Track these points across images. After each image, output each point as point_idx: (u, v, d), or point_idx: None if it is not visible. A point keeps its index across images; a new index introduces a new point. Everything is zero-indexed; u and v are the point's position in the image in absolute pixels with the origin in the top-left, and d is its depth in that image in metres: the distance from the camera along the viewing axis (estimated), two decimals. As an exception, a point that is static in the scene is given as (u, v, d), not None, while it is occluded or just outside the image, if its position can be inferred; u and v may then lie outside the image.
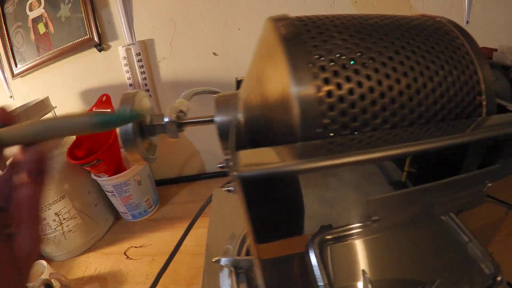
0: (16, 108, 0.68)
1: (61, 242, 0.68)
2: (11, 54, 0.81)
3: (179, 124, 0.31)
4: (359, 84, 0.20)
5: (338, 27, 0.23)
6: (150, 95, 0.78)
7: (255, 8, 0.71)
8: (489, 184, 0.21)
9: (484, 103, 0.23)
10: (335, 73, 0.20)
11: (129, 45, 0.74)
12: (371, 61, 0.21)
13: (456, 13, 0.74)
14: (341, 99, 0.20)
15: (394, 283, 0.32)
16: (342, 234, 0.23)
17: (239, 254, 0.52)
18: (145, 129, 0.31)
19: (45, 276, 0.58)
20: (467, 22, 0.75)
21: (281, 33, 0.22)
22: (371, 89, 0.20)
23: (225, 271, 0.49)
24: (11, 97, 0.87)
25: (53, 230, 0.66)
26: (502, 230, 0.30)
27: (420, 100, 0.21)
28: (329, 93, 0.20)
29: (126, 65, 0.76)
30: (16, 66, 0.82)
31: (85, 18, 0.73)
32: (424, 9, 0.73)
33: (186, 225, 0.72)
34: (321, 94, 0.20)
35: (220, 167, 0.30)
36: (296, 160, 0.17)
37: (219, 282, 0.48)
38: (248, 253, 0.52)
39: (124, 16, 0.73)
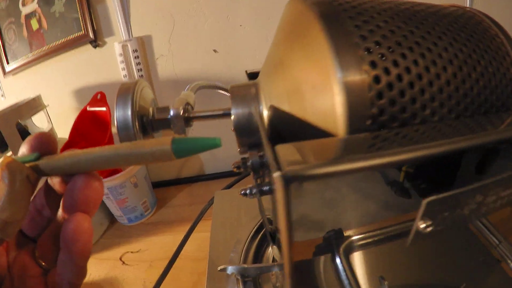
0: (7, 108, 0.65)
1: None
2: (3, 51, 0.78)
3: (187, 118, 0.28)
4: (407, 70, 0.18)
5: (375, 8, 0.21)
6: (147, 93, 0.75)
7: (258, 3, 0.69)
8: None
9: None
10: (382, 56, 0.18)
11: (125, 41, 0.71)
12: (416, 45, 0.19)
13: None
14: (390, 85, 0.18)
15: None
16: (370, 240, 0.21)
17: (245, 261, 0.49)
18: (148, 125, 0.28)
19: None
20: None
21: (317, 11, 0.19)
22: (419, 76, 0.18)
23: (231, 280, 0.46)
24: (2, 95, 0.83)
25: None
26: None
27: (466, 91, 0.20)
28: (377, 79, 0.17)
29: (122, 62, 0.73)
30: (7, 63, 0.78)
31: (80, 13, 0.70)
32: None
33: (185, 228, 0.69)
34: (369, 79, 0.17)
35: (236, 167, 0.27)
36: (348, 157, 0.14)
37: (225, 290, 0.45)
38: (255, 260, 0.49)
39: (120, 11, 0.69)
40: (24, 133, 0.66)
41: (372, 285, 0.25)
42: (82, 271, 0.20)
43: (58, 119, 0.79)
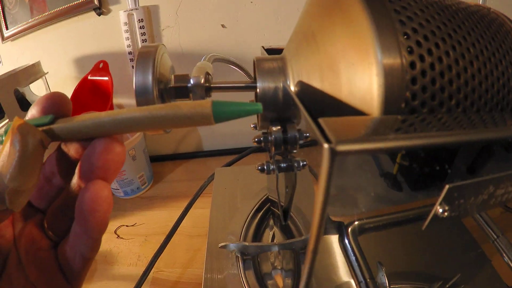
0: (5, 73, 0.62)
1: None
2: (2, 16, 0.75)
3: (208, 88, 0.27)
4: (440, 60, 0.19)
5: None
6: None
7: (271, -19, 0.67)
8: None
9: None
10: (419, 44, 0.19)
11: (131, 10, 0.69)
12: (448, 37, 0.20)
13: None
14: (423, 72, 0.18)
15: (412, 277, 0.30)
16: (380, 223, 0.22)
17: (245, 239, 0.49)
18: (165, 92, 0.27)
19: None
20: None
21: None
22: (449, 67, 0.19)
23: (230, 257, 0.46)
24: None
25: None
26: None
27: (487, 87, 0.21)
28: (413, 64, 0.18)
29: (126, 31, 0.70)
30: (6, 28, 0.75)
31: (85, -23, 0.67)
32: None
33: (181, 204, 0.69)
34: (406, 64, 0.18)
35: (257, 141, 0.26)
36: (382, 137, 0.14)
37: (224, 268, 0.45)
38: (254, 239, 0.50)
39: (127, -22, 0.67)
40: (21, 100, 0.64)
41: (371, 269, 0.25)
42: (97, 244, 0.19)
43: (56, 88, 0.77)
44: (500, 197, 0.21)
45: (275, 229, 0.50)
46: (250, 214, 0.53)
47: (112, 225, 0.66)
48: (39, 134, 0.17)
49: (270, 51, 0.37)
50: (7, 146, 0.16)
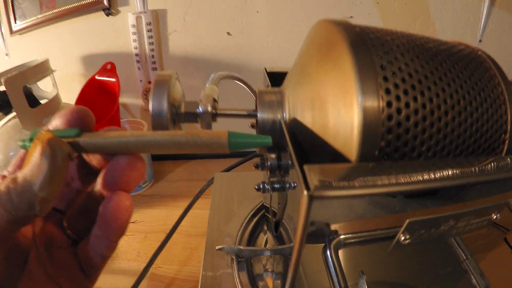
0: (13, 69, 0.64)
1: (51, 212, 0.66)
2: (11, 9, 0.76)
3: (214, 115, 0.30)
4: (416, 112, 0.21)
5: (395, 40, 0.23)
6: (156, 68, 0.75)
7: (278, -7, 0.69)
8: (498, 215, 0.24)
9: (507, 141, 0.25)
10: (397, 97, 0.21)
11: (140, 13, 0.71)
12: (427, 91, 0.22)
13: (470, 30, 0.75)
14: (398, 124, 0.21)
15: (391, 287, 0.33)
16: (358, 240, 0.24)
17: (240, 242, 0.52)
18: (176, 116, 0.30)
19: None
20: (480, 40, 0.76)
21: (347, 39, 0.22)
22: (424, 118, 0.21)
23: (226, 258, 0.49)
24: (6, 54, 0.81)
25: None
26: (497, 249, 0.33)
27: (460, 133, 0.22)
28: (389, 116, 0.20)
29: (134, 33, 0.72)
30: (15, 22, 0.76)
31: (95, -22, 0.69)
32: (442, 19, 0.73)
33: (180, 204, 0.72)
34: (383, 116, 0.20)
35: (255, 166, 0.30)
36: (353, 185, 0.17)
37: (220, 268, 0.48)
38: (249, 243, 0.53)
39: (138, -19, 0.69)
40: (29, 96, 0.66)
41: (353, 277, 0.28)
42: (115, 245, 0.21)
43: (62, 84, 0.78)
44: (463, 228, 0.24)
45: (268, 234, 0.53)
46: (247, 219, 0.56)
47: (113, 221, 0.69)
48: (67, 147, 0.18)
49: (272, 74, 0.40)
50: (36, 157, 0.17)
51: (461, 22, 0.75)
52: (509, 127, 0.25)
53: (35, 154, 0.17)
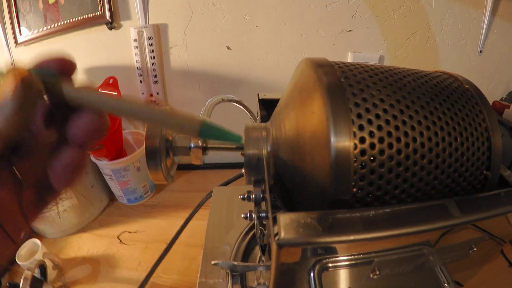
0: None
1: (55, 221, 0.68)
2: (16, 21, 0.78)
3: (204, 148, 0.31)
4: (390, 158, 0.22)
5: (372, 77, 0.24)
6: (157, 81, 0.77)
7: (277, 8, 0.70)
8: (475, 248, 0.25)
9: (490, 176, 0.25)
10: (372, 145, 0.21)
11: (141, 27, 0.72)
12: (404, 136, 0.22)
13: (471, 41, 0.75)
14: (372, 171, 0.21)
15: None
16: (342, 264, 0.25)
17: (236, 256, 0.54)
18: (170, 149, 0.32)
19: (39, 256, 0.59)
20: (481, 51, 0.76)
21: (324, 83, 0.23)
22: (398, 164, 0.22)
23: (222, 271, 0.51)
24: (12, 64, 0.83)
25: (48, 209, 0.66)
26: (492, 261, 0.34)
27: (437, 175, 0.23)
28: (363, 165, 0.21)
29: (136, 47, 0.74)
30: (20, 33, 0.78)
31: (98, -7, 0.70)
32: (442, 31, 0.73)
33: (180, 214, 0.73)
34: (356, 165, 0.21)
35: (242, 198, 0.31)
36: (331, 233, 0.19)
37: (216, 281, 0.50)
38: (244, 256, 0.54)
39: (139, -4, 0.70)
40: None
41: None
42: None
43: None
44: (434, 262, 0.25)
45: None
46: (243, 233, 0.57)
47: (115, 230, 0.71)
48: (41, 88, 0.17)
49: (265, 101, 0.41)
50: (5, 91, 0.16)
51: (462, 33, 0.75)
52: (492, 164, 0.25)
53: (6, 88, 0.16)
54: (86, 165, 0.20)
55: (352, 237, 0.19)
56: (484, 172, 0.25)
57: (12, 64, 0.16)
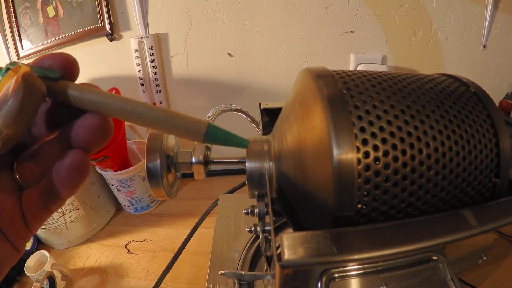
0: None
1: (62, 232, 0.68)
2: (18, 35, 0.78)
3: (206, 162, 0.31)
4: (395, 172, 0.21)
5: (375, 86, 0.24)
6: (160, 90, 0.77)
7: (276, 12, 0.70)
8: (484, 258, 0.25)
9: (498, 183, 0.24)
10: (376, 160, 0.21)
11: (142, 37, 0.72)
12: (409, 148, 0.21)
13: (474, 36, 0.74)
14: (376, 186, 0.21)
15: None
16: (350, 274, 0.25)
17: (243, 264, 0.53)
18: (171, 165, 0.31)
19: (47, 267, 0.59)
20: (484, 46, 0.75)
21: (324, 96, 0.22)
22: (404, 177, 0.21)
23: (229, 281, 0.51)
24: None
25: (56, 220, 0.66)
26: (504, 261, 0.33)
27: (444, 186, 0.22)
28: (367, 181, 0.21)
29: (137, 58, 0.74)
30: (22, 47, 0.79)
31: (98, 5, 0.70)
32: (444, 28, 0.72)
33: (187, 222, 0.73)
34: (360, 181, 0.20)
35: (246, 213, 0.31)
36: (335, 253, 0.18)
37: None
38: (251, 264, 0.54)
39: (139, 6, 0.70)
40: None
41: None
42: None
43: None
44: (444, 273, 0.25)
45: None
46: (250, 241, 0.57)
47: (123, 240, 0.71)
48: (43, 87, 0.16)
49: (267, 110, 0.40)
50: (7, 90, 0.15)
51: (465, 29, 0.74)
52: (501, 171, 0.24)
53: (7, 87, 0.15)
54: (89, 169, 0.19)
55: (357, 257, 0.18)
56: (493, 179, 0.24)
57: (12, 62, 0.16)
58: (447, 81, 0.27)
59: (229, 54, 0.74)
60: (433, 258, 0.23)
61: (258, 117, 0.43)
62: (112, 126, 0.19)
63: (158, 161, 0.29)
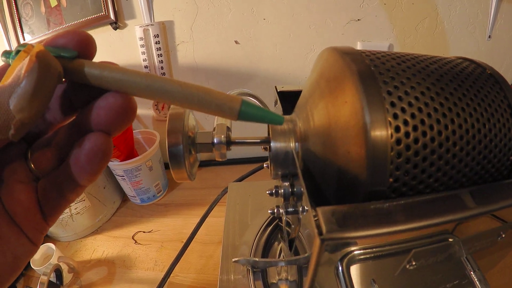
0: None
1: (68, 224, 0.68)
2: (19, 26, 0.77)
3: (228, 143, 0.31)
4: (424, 147, 0.21)
5: (400, 64, 0.24)
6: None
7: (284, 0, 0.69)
8: (503, 235, 0.25)
9: None
10: (406, 134, 0.21)
11: (147, 25, 0.71)
12: (436, 123, 0.22)
13: (479, 26, 0.74)
14: (407, 160, 0.21)
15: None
16: (372, 255, 0.25)
17: (256, 251, 0.53)
18: (192, 146, 0.31)
19: (54, 260, 0.58)
20: (489, 36, 0.75)
21: (354, 71, 0.22)
22: (432, 152, 0.21)
23: (242, 268, 0.51)
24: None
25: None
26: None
27: (467, 162, 0.23)
28: (399, 154, 0.21)
29: (142, 46, 0.73)
30: (24, 39, 0.78)
31: (101, -8, 0.69)
32: (450, 17, 0.72)
33: (194, 212, 0.73)
34: (392, 154, 0.21)
35: (269, 193, 0.30)
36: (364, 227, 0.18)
37: (237, 277, 0.50)
38: (264, 251, 0.54)
39: (143, -6, 0.69)
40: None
41: (364, 285, 0.29)
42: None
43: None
44: (467, 251, 0.25)
45: (283, 244, 0.54)
46: (262, 228, 0.57)
47: (130, 231, 0.71)
48: (58, 67, 0.15)
49: (283, 93, 0.40)
50: (19, 71, 0.14)
51: (470, 19, 0.74)
52: None
53: (20, 68, 0.14)
54: (111, 152, 0.18)
55: (397, 228, 0.18)
56: (511, 158, 0.25)
57: (22, 44, 0.14)
58: (464, 63, 0.28)
59: (236, 42, 0.73)
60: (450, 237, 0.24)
61: (267, 102, 0.43)
62: (136, 106, 0.18)
63: (181, 141, 0.29)
